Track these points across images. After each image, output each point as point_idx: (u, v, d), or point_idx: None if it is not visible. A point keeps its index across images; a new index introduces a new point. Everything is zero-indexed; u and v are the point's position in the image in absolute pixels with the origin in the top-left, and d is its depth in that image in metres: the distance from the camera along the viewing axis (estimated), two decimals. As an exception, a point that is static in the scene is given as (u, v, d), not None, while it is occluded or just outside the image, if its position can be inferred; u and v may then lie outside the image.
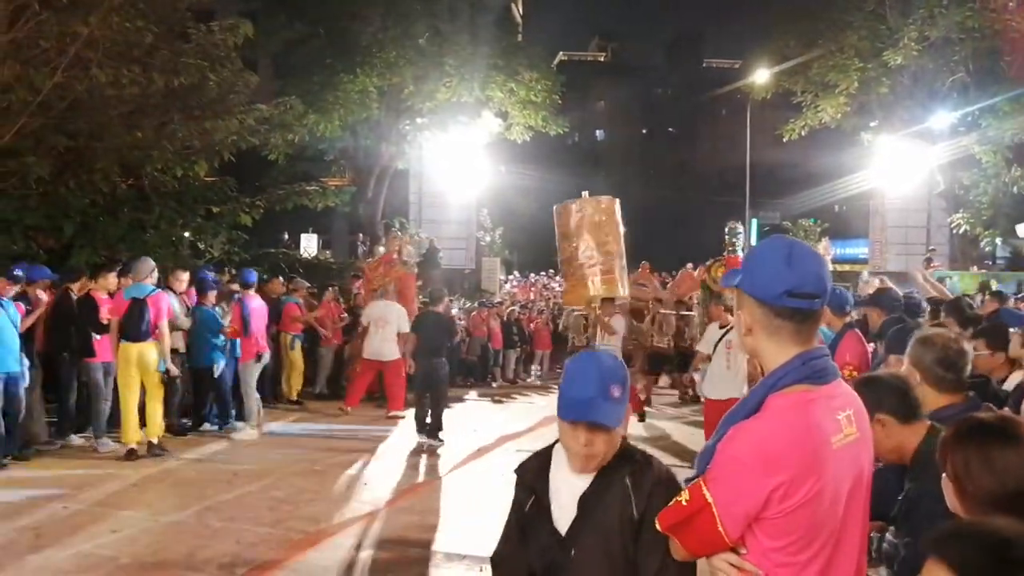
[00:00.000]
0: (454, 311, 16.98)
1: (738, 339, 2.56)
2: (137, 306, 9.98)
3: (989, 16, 23.25)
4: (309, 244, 33.88)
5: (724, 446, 2.21)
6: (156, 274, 10.67)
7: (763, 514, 2.14)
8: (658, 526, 2.33)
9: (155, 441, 10.14)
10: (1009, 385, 4.46)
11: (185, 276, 11.78)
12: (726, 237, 13.94)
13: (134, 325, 9.94)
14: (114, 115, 14.49)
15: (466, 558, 6.73)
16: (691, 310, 17.30)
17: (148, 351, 10.05)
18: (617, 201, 13.93)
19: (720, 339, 9.98)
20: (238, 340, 11.75)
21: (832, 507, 2.18)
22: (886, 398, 3.11)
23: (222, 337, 11.60)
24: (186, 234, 17.17)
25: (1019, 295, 16.55)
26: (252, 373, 11.67)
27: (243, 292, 11.90)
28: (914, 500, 3.02)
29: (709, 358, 10.11)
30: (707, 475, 2.21)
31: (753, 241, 40.50)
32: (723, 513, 2.15)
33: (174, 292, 11.30)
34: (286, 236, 34.69)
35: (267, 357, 12.08)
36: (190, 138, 15.58)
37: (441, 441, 11.19)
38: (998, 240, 29.06)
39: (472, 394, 17.47)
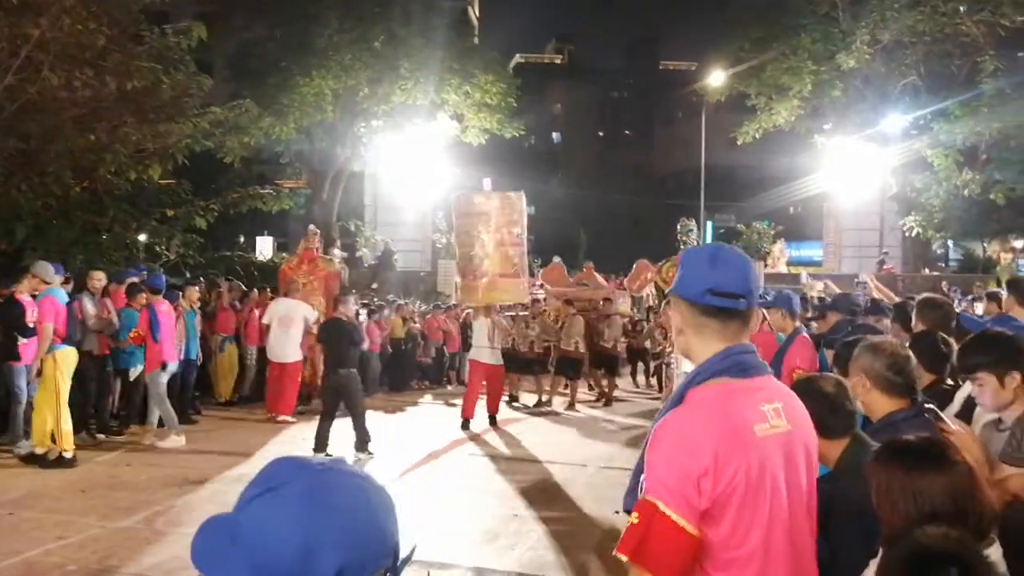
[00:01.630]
0: (366, 312, 16.08)
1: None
2: (72, 310, 9.87)
3: (940, 20, 23.66)
4: (264, 247, 33.69)
5: (650, 448, 2.24)
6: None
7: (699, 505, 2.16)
8: (621, 558, 2.15)
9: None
10: (959, 396, 4.49)
11: (100, 275, 11.52)
12: (678, 235, 13.83)
13: (73, 329, 9.81)
14: (66, 118, 14.33)
15: (415, 562, 6.72)
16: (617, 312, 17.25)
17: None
18: (523, 196, 13.46)
19: None
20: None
21: (763, 495, 2.21)
22: (808, 406, 3.10)
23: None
24: (141, 237, 17.05)
25: (969, 297, 16.86)
26: (159, 382, 11.17)
27: (152, 298, 11.39)
28: (831, 505, 3.06)
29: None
30: (643, 487, 2.21)
31: (708, 242, 40.79)
32: (675, 505, 2.12)
33: (89, 292, 11.16)
34: (242, 239, 34.50)
35: (174, 367, 11.57)
36: (144, 141, 15.42)
37: (371, 454, 10.60)
38: (950, 243, 29.58)
39: (427, 397, 17.44)
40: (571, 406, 15.60)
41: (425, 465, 10.53)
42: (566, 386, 15.95)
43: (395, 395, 17.27)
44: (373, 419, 13.84)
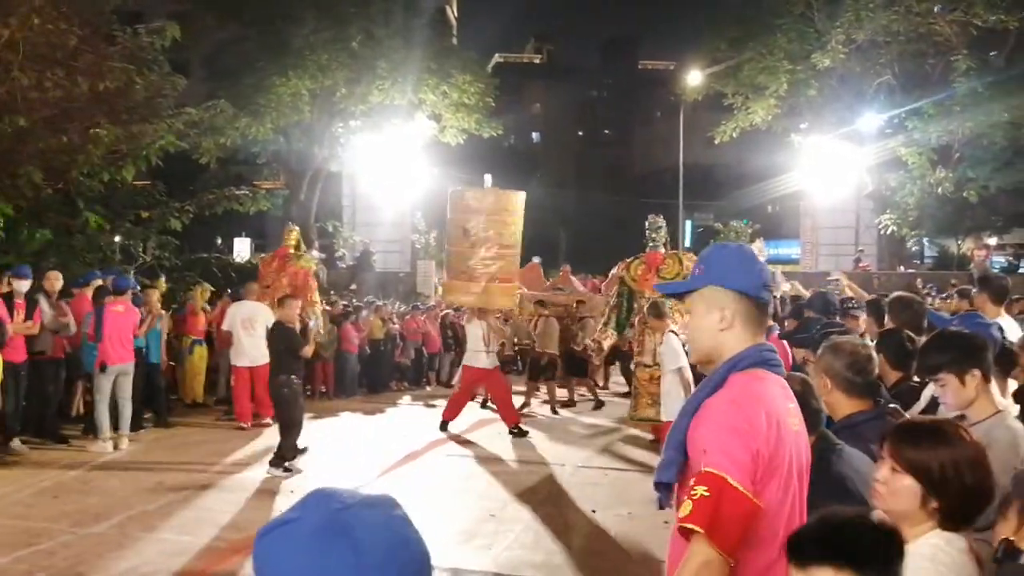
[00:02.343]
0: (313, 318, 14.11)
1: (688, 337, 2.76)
2: None
3: (914, 20, 23.80)
4: (242, 248, 33.54)
5: (704, 423, 2.34)
6: None
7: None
8: (696, 529, 2.19)
9: None
10: (926, 394, 4.54)
11: (56, 275, 11.40)
12: (646, 232, 12.84)
13: None
14: (37, 119, 14.21)
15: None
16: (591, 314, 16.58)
17: None
18: (522, 196, 12.88)
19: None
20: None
21: (792, 483, 2.34)
22: None
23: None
24: (115, 239, 16.95)
25: (943, 295, 16.98)
26: (98, 384, 10.88)
27: (112, 298, 11.18)
28: None
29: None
30: (706, 460, 2.26)
31: (687, 242, 40.90)
32: (740, 478, 2.21)
33: (46, 293, 11.03)
34: (219, 241, 34.35)
35: (123, 368, 11.11)
36: (117, 142, 15.30)
37: (288, 471, 9.67)
38: (925, 240, 29.76)
39: (405, 398, 17.40)
40: (553, 402, 15.40)
41: (403, 466, 10.50)
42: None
43: (373, 396, 17.22)
44: (352, 420, 13.90)
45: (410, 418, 14.82)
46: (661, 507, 2.60)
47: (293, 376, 9.95)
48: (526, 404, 15.21)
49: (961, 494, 2.32)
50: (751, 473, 2.22)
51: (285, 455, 9.75)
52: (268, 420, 12.70)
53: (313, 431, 12.40)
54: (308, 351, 10.74)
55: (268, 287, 13.92)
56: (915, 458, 2.37)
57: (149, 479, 9.25)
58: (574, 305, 17.40)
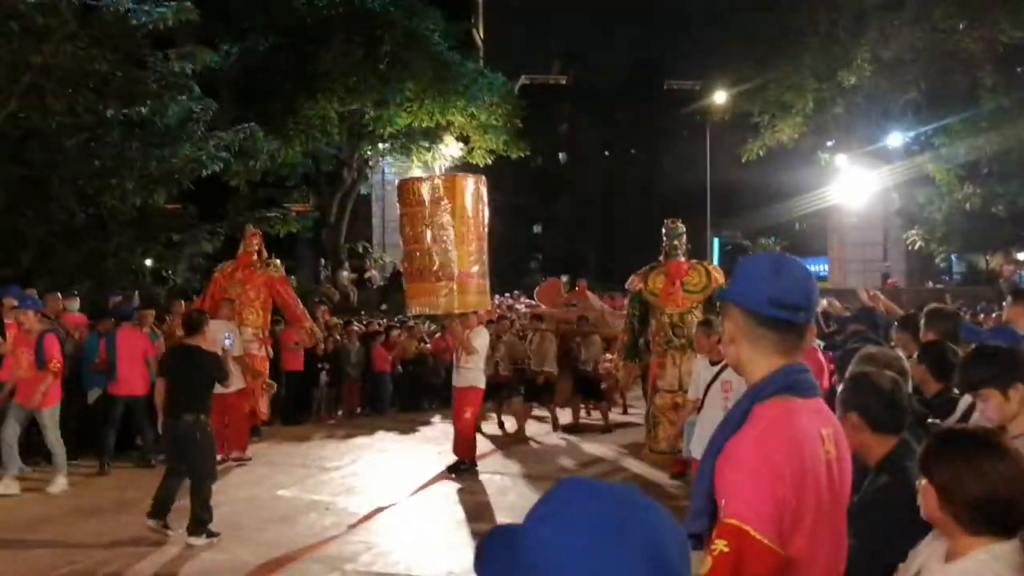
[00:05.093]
0: (231, 339, 11.20)
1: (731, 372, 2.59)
2: None
3: (939, 37, 23.74)
4: (272, 271, 33.68)
5: (725, 468, 2.15)
6: None
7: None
8: None
9: None
10: (962, 404, 4.54)
11: (58, 297, 11.07)
12: (664, 239, 11.16)
13: None
14: (70, 144, 14.46)
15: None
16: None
17: None
18: (483, 179, 11.00)
19: (713, 380, 7.59)
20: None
21: (823, 521, 2.17)
22: (865, 400, 3.16)
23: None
24: (147, 262, 17.14)
25: (970, 310, 16.88)
26: (55, 415, 9.80)
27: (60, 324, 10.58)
28: (871, 504, 3.03)
29: (699, 406, 7.86)
30: (726, 510, 2.10)
31: (715, 260, 40.80)
32: (763, 528, 2.04)
33: (48, 317, 10.51)
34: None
35: None
36: (148, 166, 15.51)
37: (214, 535, 7.65)
38: (953, 256, 29.59)
39: (437, 417, 17.40)
40: (555, 422, 14.38)
41: (438, 483, 10.49)
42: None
43: (406, 415, 17.28)
44: (385, 438, 13.88)
45: (444, 436, 14.70)
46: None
47: (202, 416, 7.88)
48: (520, 429, 14.20)
49: (968, 501, 2.29)
50: (776, 522, 2.05)
51: (204, 516, 7.67)
52: (242, 456, 11.44)
53: (348, 450, 12.48)
54: (231, 380, 9.30)
55: (232, 301, 12.14)
56: (927, 464, 2.41)
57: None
58: (575, 320, 15.63)
